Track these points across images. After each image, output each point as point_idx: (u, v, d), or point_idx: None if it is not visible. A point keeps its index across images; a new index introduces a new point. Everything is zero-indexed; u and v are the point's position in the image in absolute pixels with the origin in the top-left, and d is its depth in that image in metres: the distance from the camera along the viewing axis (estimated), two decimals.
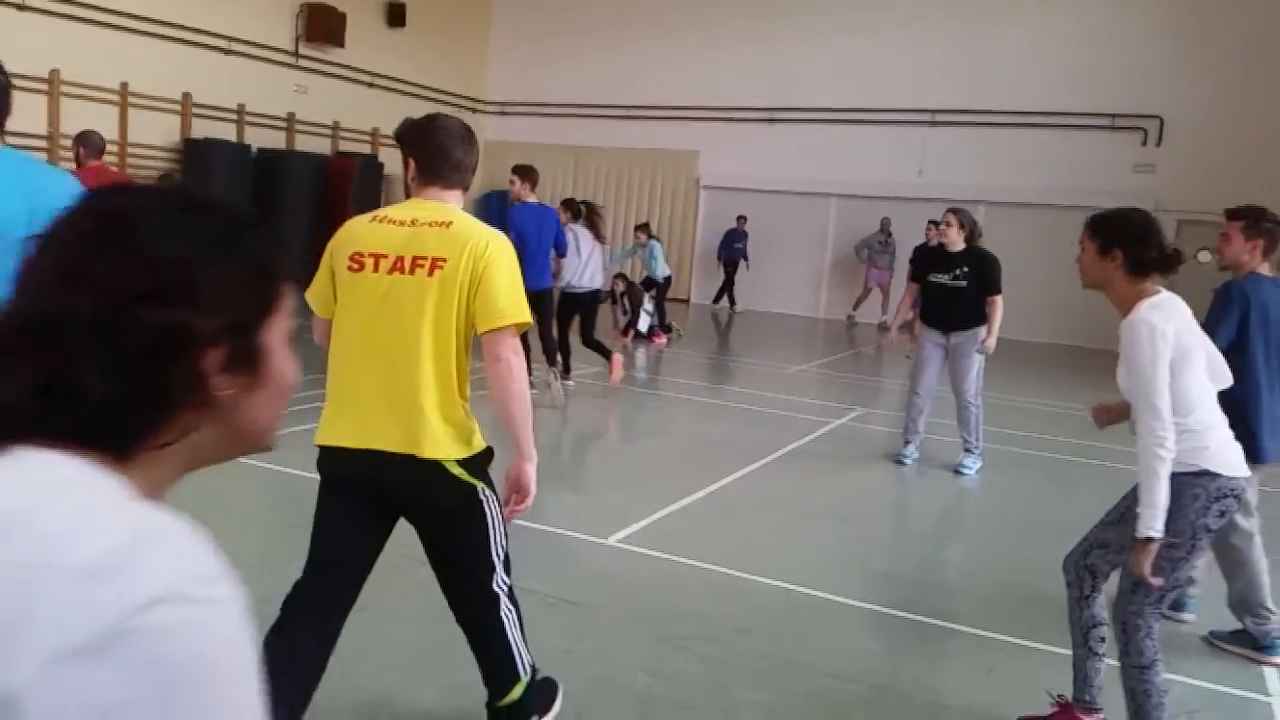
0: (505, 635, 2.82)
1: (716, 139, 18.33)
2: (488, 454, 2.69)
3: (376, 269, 2.55)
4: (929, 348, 6.73)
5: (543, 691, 3.03)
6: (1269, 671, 3.89)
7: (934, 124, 16.72)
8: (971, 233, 6.59)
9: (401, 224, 2.60)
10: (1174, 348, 2.85)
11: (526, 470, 2.67)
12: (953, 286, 6.52)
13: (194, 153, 13.94)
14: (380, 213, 2.68)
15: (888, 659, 3.86)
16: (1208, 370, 3.10)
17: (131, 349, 0.79)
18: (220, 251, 0.85)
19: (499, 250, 2.58)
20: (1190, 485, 2.87)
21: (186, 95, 14.27)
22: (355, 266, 2.58)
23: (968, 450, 6.79)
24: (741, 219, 17.50)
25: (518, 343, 2.62)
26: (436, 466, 2.56)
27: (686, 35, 18.19)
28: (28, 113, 12.27)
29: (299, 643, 2.61)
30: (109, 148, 13.51)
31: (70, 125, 12.83)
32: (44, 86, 12.52)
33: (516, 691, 2.87)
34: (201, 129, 14.38)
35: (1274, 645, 3.93)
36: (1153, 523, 2.77)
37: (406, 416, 2.53)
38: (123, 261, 0.79)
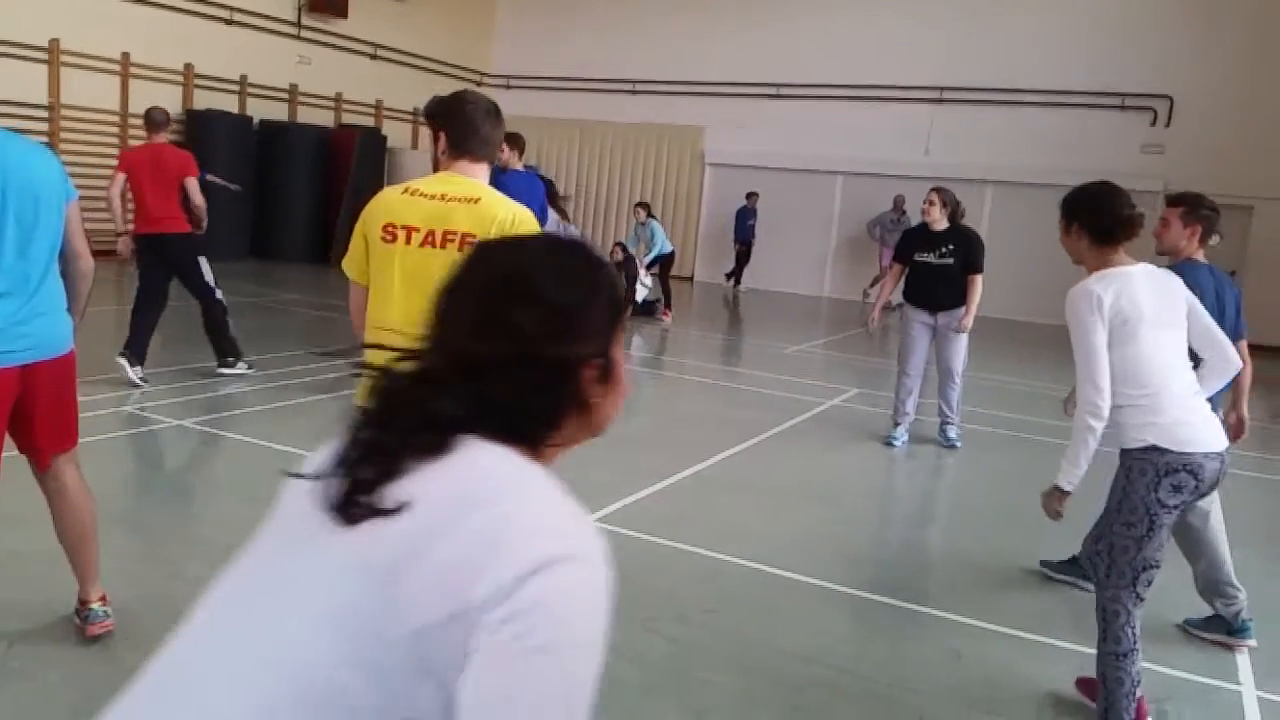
0: None
1: (722, 115, 18.22)
2: None
3: (409, 241, 2.67)
4: (916, 328, 6.70)
5: None
6: (1241, 660, 3.87)
7: (941, 102, 16.58)
8: (954, 211, 6.56)
9: (432, 198, 2.71)
10: (1113, 316, 2.86)
11: None
12: (939, 265, 6.50)
13: (196, 124, 13.93)
14: (412, 185, 2.78)
15: (855, 642, 3.85)
16: (1210, 351, 3.08)
17: (539, 378, 1.06)
18: (593, 292, 1.11)
19: (525, 229, 2.69)
20: (1139, 461, 2.89)
21: (188, 66, 14.23)
22: (388, 238, 2.70)
23: (950, 422, 6.90)
24: (752, 196, 17.30)
25: None
26: None
27: (693, 10, 18.04)
28: (27, 82, 12.28)
29: None
30: (109, 119, 13.55)
31: (70, 95, 12.82)
32: (44, 56, 12.49)
33: None
34: (203, 100, 14.36)
35: (1246, 627, 3.92)
36: (1069, 477, 2.96)
37: None
38: (529, 312, 1.05)
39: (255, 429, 6.19)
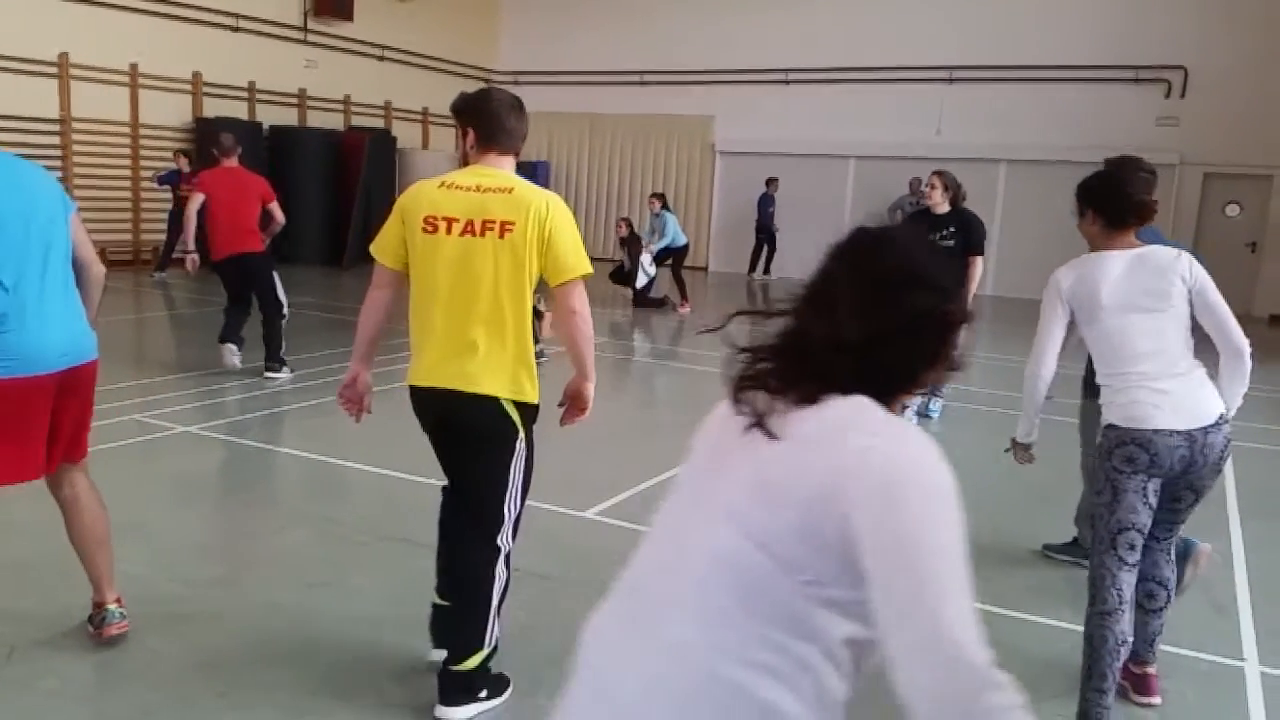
0: (489, 595, 2.96)
1: (731, 103, 18.15)
2: (536, 410, 3.00)
3: (449, 231, 2.84)
4: None
5: (496, 678, 3.10)
6: (1246, 637, 3.83)
7: (951, 81, 16.43)
8: (956, 195, 6.52)
9: (468, 189, 2.87)
10: (1070, 299, 3.08)
11: (586, 387, 3.10)
12: (940, 248, 6.48)
13: (206, 132, 13.97)
14: (447, 179, 2.94)
15: None
16: (1216, 337, 3.07)
17: (918, 341, 1.36)
18: (953, 275, 1.40)
19: (559, 213, 2.88)
20: (1103, 436, 3.07)
21: (197, 74, 14.34)
22: (429, 229, 2.86)
23: (938, 396, 7.25)
24: (772, 182, 17.01)
25: (584, 292, 2.94)
26: (495, 402, 2.89)
27: None
28: (38, 97, 12.42)
29: (452, 529, 3.14)
30: (120, 130, 13.68)
31: (80, 109, 12.95)
32: (54, 70, 12.62)
33: (472, 661, 2.96)
34: (213, 108, 14.46)
35: (1190, 541, 3.98)
36: (1019, 430, 3.40)
37: (480, 361, 2.86)
38: (919, 293, 1.35)
39: (263, 434, 6.25)
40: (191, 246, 7.62)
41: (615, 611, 1.42)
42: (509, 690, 3.11)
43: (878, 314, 1.33)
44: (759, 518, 1.29)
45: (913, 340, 1.35)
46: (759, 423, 1.34)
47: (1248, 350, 3.07)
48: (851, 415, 1.31)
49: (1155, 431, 2.94)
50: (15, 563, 3.94)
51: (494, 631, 3.00)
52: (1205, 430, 2.95)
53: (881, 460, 1.23)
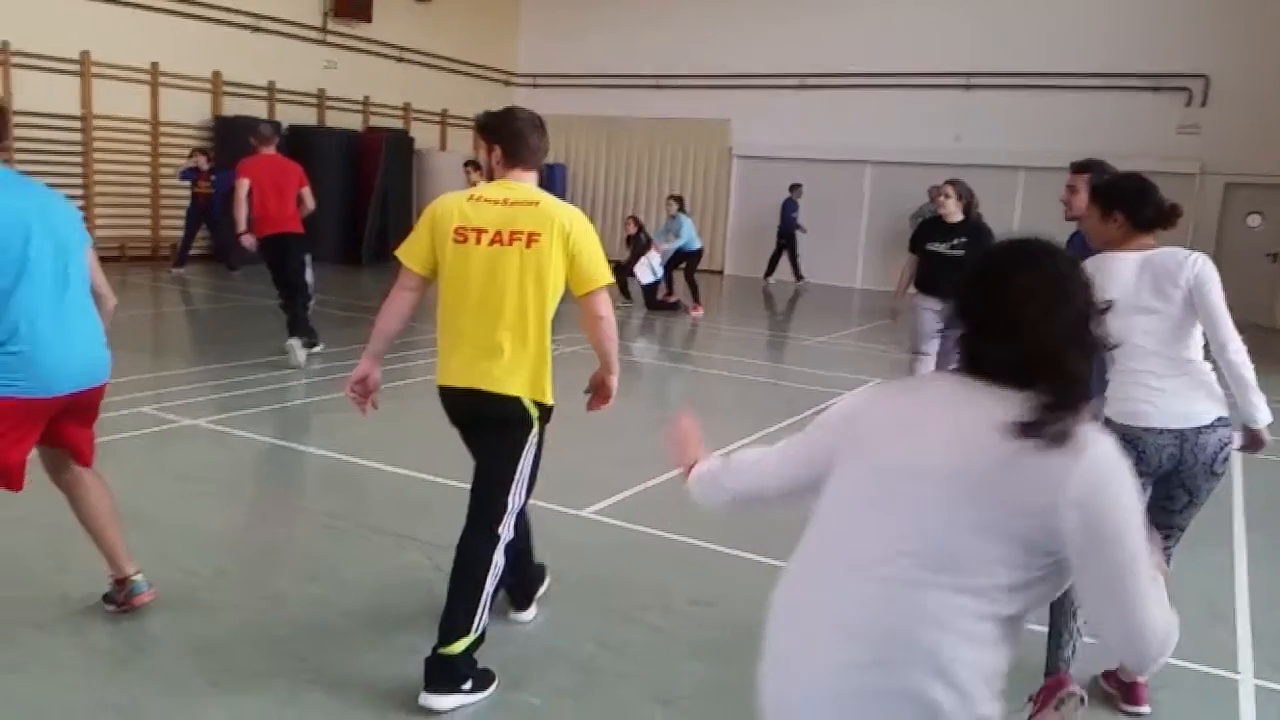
0: (483, 581, 3.04)
1: (749, 107, 18.13)
2: (551, 410, 3.19)
3: (479, 242, 3.03)
4: (928, 315, 6.63)
5: (482, 672, 3.12)
6: (1241, 650, 3.79)
7: (970, 88, 16.35)
8: (969, 204, 6.51)
9: (496, 202, 3.07)
10: None
11: (610, 379, 3.33)
12: (950, 255, 6.45)
13: (225, 130, 14.13)
14: (475, 192, 3.14)
15: None
16: (1206, 331, 3.07)
17: (1089, 328, 1.55)
18: (1082, 268, 1.63)
19: (582, 226, 3.10)
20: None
21: (216, 73, 14.46)
22: (460, 239, 3.04)
23: None
24: (795, 188, 16.89)
25: (608, 299, 3.17)
26: (517, 401, 3.09)
27: (717, 1, 17.96)
28: (60, 95, 12.56)
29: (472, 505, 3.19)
30: (140, 127, 13.82)
31: (102, 106, 13.10)
32: (75, 68, 12.77)
33: (458, 645, 3.01)
34: (232, 107, 14.57)
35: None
36: None
37: (505, 364, 3.04)
38: (1083, 289, 1.57)
39: (271, 428, 6.30)
40: (243, 227, 7.97)
41: (804, 574, 1.63)
42: (494, 686, 3.12)
43: (1075, 310, 1.54)
44: (970, 510, 1.47)
45: (1089, 324, 1.56)
46: (1046, 434, 1.46)
47: (1231, 347, 3.04)
48: (1075, 430, 1.49)
49: (1145, 430, 3.00)
50: (5, 552, 3.99)
51: (483, 619, 3.05)
52: (1198, 430, 2.97)
53: (1097, 484, 1.45)
